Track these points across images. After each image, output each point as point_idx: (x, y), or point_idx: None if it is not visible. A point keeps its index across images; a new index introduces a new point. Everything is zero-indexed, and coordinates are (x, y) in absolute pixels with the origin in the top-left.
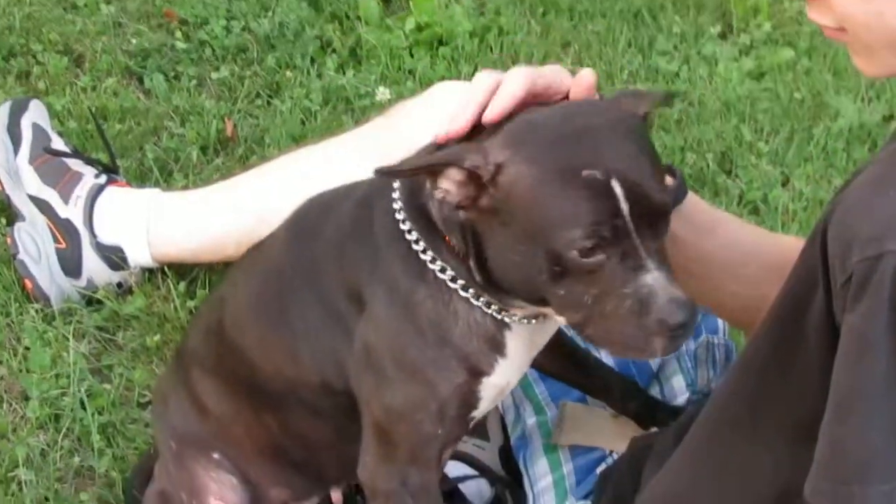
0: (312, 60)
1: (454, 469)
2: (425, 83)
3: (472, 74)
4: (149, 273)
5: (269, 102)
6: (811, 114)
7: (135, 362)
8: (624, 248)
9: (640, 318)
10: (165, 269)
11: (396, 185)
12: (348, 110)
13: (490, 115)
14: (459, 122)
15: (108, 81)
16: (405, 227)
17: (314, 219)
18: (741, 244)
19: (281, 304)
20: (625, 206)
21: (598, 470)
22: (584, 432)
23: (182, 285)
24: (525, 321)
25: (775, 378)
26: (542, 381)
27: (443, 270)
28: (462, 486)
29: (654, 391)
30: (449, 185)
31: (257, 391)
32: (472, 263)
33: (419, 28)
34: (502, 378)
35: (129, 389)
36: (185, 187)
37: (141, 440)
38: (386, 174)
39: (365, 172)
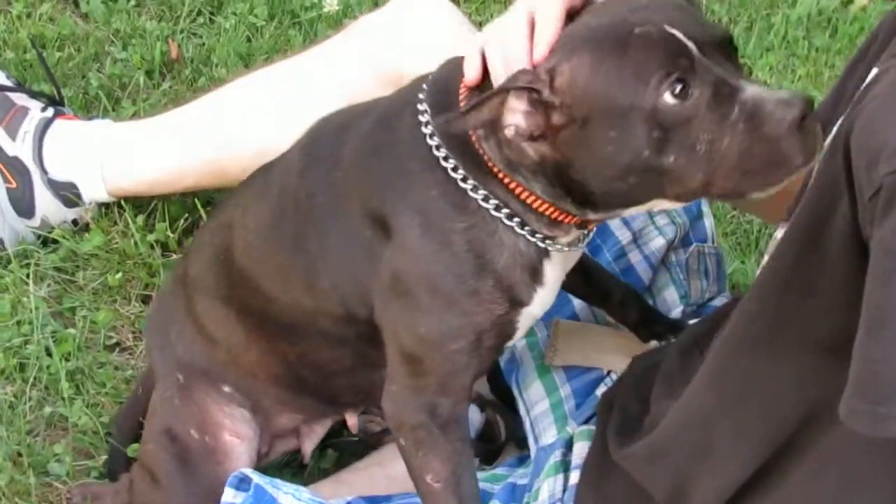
0: None
1: None
2: None
3: None
4: (105, 208)
5: (211, 20)
6: (768, 2)
7: (97, 303)
8: (712, 81)
9: (760, 133)
10: (122, 203)
11: (423, 108)
12: (295, 24)
13: (539, 55)
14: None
15: (44, 7)
16: (440, 153)
17: (330, 141)
18: None
19: (298, 232)
20: (689, 42)
21: (598, 392)
22: (578, 350)
23: (140, 219)
24: (566, 249)
25: (798, 294)
26: None
27: (486, 199)
28: None
29: None
30: (515, 117)
31: (272, 321)
32: (560, 191)
33: None
34: (539, 307)
35: (93, 332)
36: (136, 115)
37: (110, 385)
38: (449, 124)
39: (329, 95)
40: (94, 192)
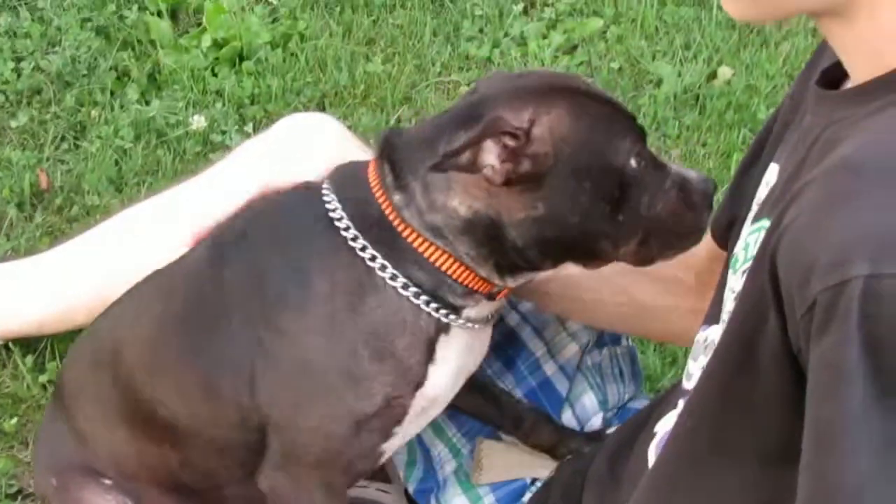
0: (112, 93)
1: None
2: (235, 103)
3: (282, 88)
4: None
5: (76, 145)
6: (633, 83)
7: None
8: (648, 152)
9: (687, 203)
10: (10, 344)
11: (329, 197)
12: (163, 143)
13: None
14: None
15: None
16: (349, 234)
17: (226, 241)
18: None
19: (199, 339)
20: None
21: (525, 499)
22: (503, 467)
23: (29, 359)
24: (469, 325)
25: (734, 410)
26: (452, 423)
27: (394, 278)
28: None
29: (567, 416)
30: (490, 158)
31: (159, 428)
32: (485, 252)
33: (217, 45)
34: (434, 389)
35: None
36: (13, 251)
37: None
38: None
39: (211, 222)
40: None
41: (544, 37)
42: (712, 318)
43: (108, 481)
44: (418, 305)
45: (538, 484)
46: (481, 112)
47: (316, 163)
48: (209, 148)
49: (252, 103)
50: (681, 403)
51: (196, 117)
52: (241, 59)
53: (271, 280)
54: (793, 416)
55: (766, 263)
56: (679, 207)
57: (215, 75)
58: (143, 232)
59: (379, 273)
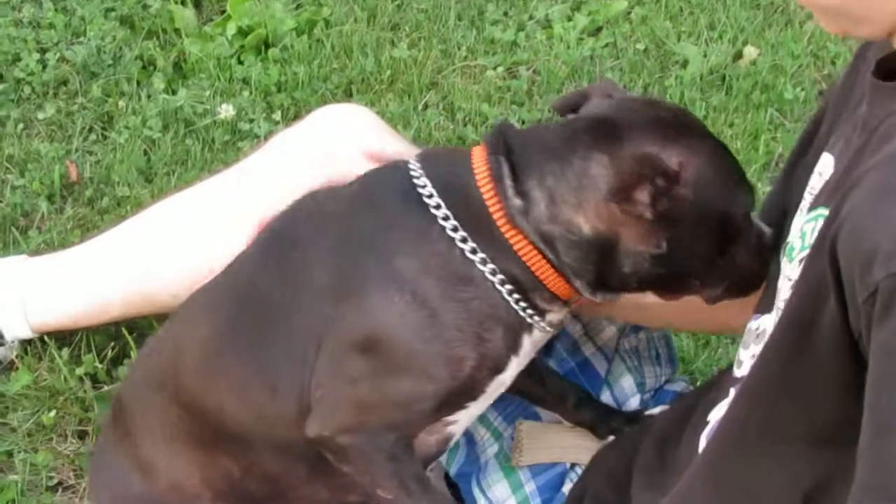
0: (139, 83)
1: None
2: (262, 91)
3: (308, 75)
4: (28, 344)
5: (104, 136)
6: (659, 65)
7: (33, 444)
8: None
9: (762, 255)
10: (45, 337)
11: (422, 182)
12: (191, 133)
13: None
14: None
15: None
16: (448, 224)
17: (297, 227)
18: None
19: (255, 332)
20: None
21: (565, 488)
22: (544, 449)
23: (65, 352)
24: (548, 329)
25: (790, 394)
26: (492, 408)
27: (493, 273)
28: None
29: (606, 396)
30: (645, 196)
31: (222, 437)
32: (589, 268)
33: (242, 32)
34: (510, 376)
35: (34, 474)
36: (47, 244)
37: None
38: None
39: (247, 213)
40: (17, 330)
41: (569, 19)
42: (764, 307)
43: None
44: (509, 301)
45: (578, 469)
46: (619, 135)
47: (352, 153)
48: (238, 136)
49: (279, 91)
50: (732, 392)
51: (224, 106)
52: (267, 46)
53: (345, 259)
54: (848, 401)
55: (826, 251)
56: (756, 258)
57: (241, 63)
58: (175, 225)
59: (479, 266)
